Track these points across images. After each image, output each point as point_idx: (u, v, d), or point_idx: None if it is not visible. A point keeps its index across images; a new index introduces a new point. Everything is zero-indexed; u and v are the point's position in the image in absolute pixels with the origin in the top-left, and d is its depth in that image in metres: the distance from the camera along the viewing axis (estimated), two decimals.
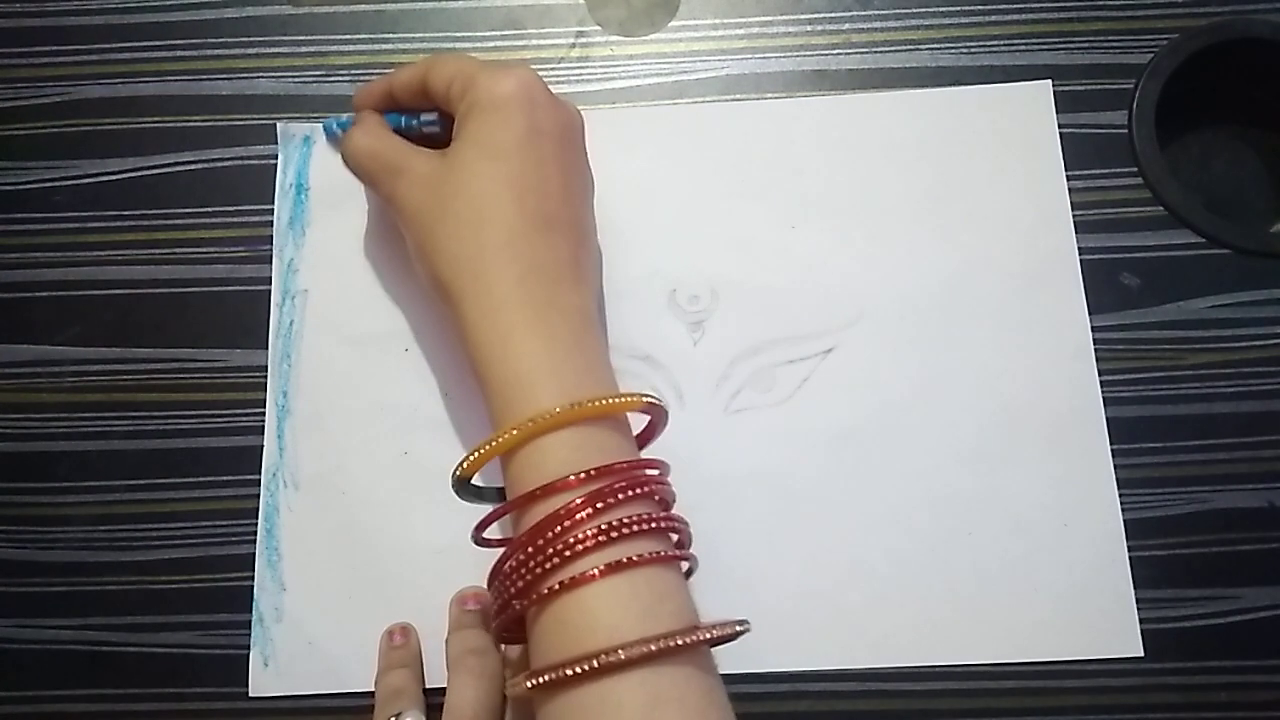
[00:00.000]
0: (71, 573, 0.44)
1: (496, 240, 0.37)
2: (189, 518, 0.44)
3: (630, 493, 0.33)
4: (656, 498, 0.35)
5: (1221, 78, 0.49)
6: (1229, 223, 0.46)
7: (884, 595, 0.42)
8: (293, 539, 0.44)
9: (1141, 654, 0.41)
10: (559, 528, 0.33)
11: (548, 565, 0.32)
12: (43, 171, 0.49)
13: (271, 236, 0.47)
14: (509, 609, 0.34)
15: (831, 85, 0.49)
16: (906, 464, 0.43)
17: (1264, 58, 0.48)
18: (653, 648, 0.31)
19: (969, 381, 0.44)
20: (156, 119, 0.49)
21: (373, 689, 0.41)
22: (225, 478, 0.45)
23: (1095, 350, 0.44)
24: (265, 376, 0.45)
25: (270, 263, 0.47)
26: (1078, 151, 0.47)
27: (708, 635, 0.32)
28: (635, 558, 0.32)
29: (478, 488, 0.38)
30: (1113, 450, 0.43)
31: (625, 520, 0.33)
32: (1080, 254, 0.45)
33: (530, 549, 0.33)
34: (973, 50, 0.49)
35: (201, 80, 0.50)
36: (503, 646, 0.40)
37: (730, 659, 0.35)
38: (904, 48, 0.49)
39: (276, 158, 0.48)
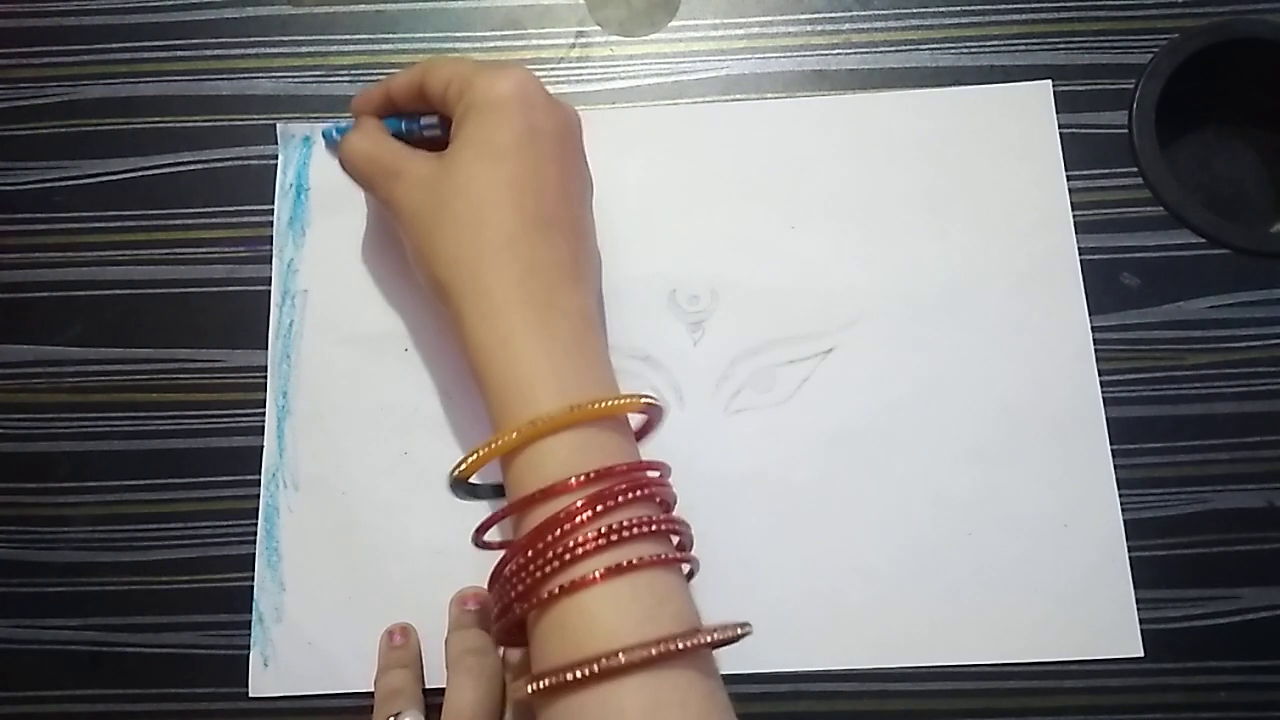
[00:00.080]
0: (72, 573, 0.44)
1: (495, 241, 0.37)
2: (189, 518, 0.44)
3: (631, 495, 0.33)
4: (657, 500, 0.35)
5: (1221, 78, 0.49)
6: (1229, 223, 0.46)
7: (884, 595, 0.42)
8: (292, 539, 0.44)
9: (1141, 654, 0.41)
10: (559, 531, 0.33)
11: (548, 569, 0.32)
12: (43, 171, 0.49)
13: (271, 237, 0.47)
14: (510, 612, 0.34)
15: (831, 85, 0.48)
16: (907, 464, 0.43)
17: (1264, 58, 0.48)
18: (654, 651, 0.30)
19: (969, 382, 0.44)
20: (156, 119, 0.49)
21: (372, 689, 0.41)
22: (225, 478, 0.45)
23: (1095, 350, 0.44)
24: (265, 376, 0.45)
25: (270, 263, 0.47)
26: (1078, 151, 0.47)
27: (709, 638, 0.32)
28: (636, 561, 0.32)
29: (473, 485, 0.38)
30: (1113, 450, 0.43)
31: (626, 523, 0.33)
32: (1080, 254, 0.45)
33: (530, 552, 0.33)
34: (973, 50, 0.49)
35: (201, 80, 0.49)
36: (503, 649, 0.40)
37: (731, 659, 0.35)
38: (904, 48, 0.49)
39: (276, 158, 0.48)
